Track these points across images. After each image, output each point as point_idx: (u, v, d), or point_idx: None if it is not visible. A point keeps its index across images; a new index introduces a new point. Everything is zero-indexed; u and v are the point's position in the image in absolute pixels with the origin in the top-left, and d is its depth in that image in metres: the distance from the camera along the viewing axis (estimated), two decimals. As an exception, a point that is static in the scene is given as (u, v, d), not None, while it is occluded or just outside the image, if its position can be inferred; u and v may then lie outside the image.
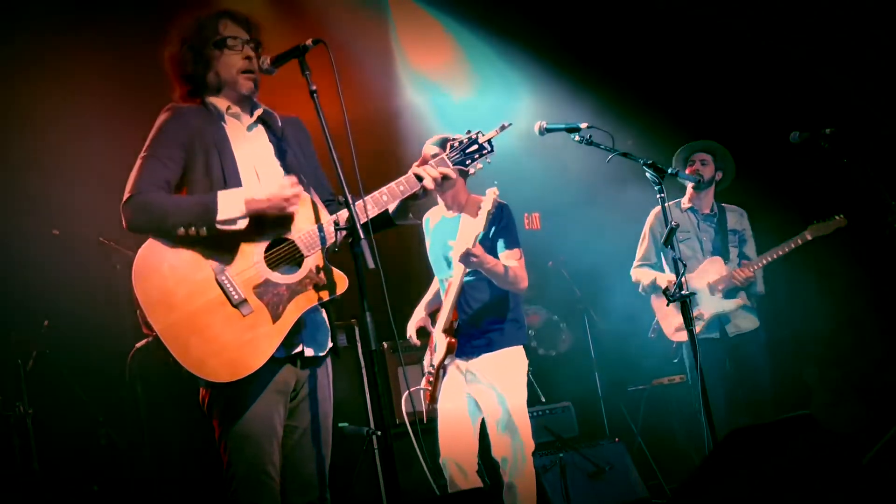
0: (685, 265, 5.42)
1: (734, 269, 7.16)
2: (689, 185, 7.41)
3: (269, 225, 4.09)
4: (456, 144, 4.42)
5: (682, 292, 5.35)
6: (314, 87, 4.00)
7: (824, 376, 8.86)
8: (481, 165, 4.45)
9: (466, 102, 9.72)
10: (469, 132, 4.45)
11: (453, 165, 4.38)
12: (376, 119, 8.86)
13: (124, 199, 4.02)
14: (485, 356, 5.98)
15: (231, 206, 3.97)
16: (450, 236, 6.07)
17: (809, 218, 7.25)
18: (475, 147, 4.43)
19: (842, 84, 8.54)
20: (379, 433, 7.08)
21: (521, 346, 6.12)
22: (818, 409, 8.59)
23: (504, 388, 5.93)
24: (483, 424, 6.04)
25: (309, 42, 4.04)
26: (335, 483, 4.37)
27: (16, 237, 7.52)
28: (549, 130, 5.41)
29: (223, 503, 4.07)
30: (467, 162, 4.42)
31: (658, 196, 5.56)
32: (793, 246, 7.20)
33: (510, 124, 4.64)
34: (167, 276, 3.95)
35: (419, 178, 4.27)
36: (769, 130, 8.85)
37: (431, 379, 5.98)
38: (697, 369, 5.20)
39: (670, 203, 7.61)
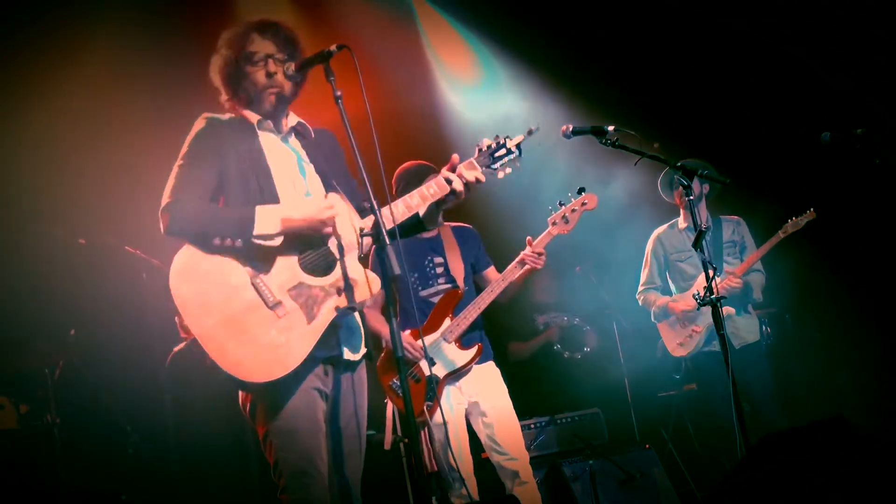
0: (715, 267, 5.39)
1: (721, 282, 7.13)
2: (684, 205, 7.36)
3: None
4: (484, 149, 4.48)
5: (712, 296, 5.31)
6: (339, 93, 3.99)
7: (856, 380, 8.79)
8: (510, 170, 4.51)
9: (494, 107, 9.70)
10: (497, 137, 4.51)
11: (482, 169, 4.43)
12: (403, 123, 8.83)
13: (163, 204, 4.03)
14: (476, 368, 6.18)
15: (267, 223, 4.00)
16: (434, 254, 6.28)
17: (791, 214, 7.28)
18: (503, 151, 4.50)
19: (842, 84, 8.49)
20: (407, 440, 7.06)
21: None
22: (851, 412, 8.50)
23: (498, 397, 6.17)
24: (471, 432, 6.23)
25: (333, 47, 4.03)
26: (364, 490, 4.35)
27: (42, 247, 7.54)
28: (575, 133, 5.37)
29: None
30: (495, 166, 4.49)
31: (686, 199, 5.55)
32: (769, 247, 7.24)
33: (538, 128, 4.69)
34: (203, 280, 3.98)
35: (448, 182, 4.31)
36: (768, 131, 8.86)
37: (431, 393, 6.07)
38: (729, 374, 5.15)
39: (665, 227, 7.65)
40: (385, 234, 3.87)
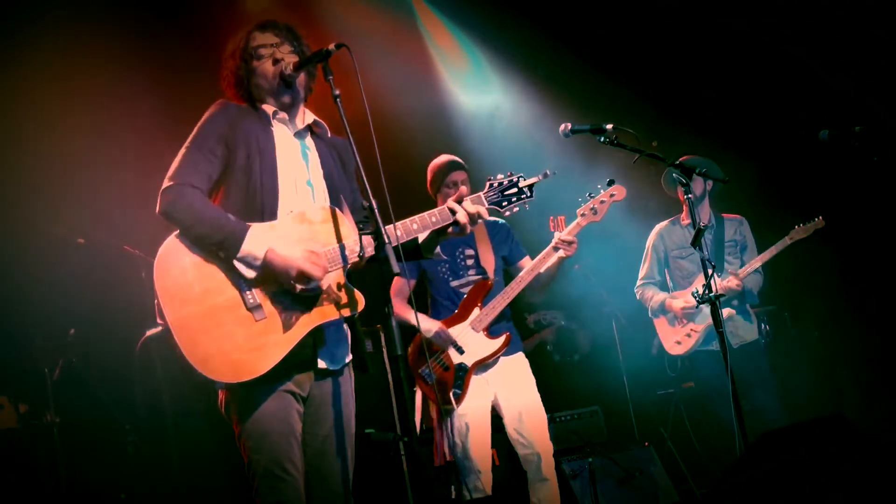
0: (714, 265, 5.40)
1: (721, 282, 7.13)
2: (685, 203, 7.36)
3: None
4: (495, 185, 4.44)
5: (711, 294, 5.32)
6: (337, 92, 3.98)
7: (855, 377, 8.79)
8: (517, 209, 4.45)
9: (492, 108, 9.73)
10: (510, 174, 4.47)
11: (489, 205, 4.41)
12: (403, 121, 8.82)
13: (165, 185, 4.02)
14: (504, 359, 6.27)
15: (255, 245, 3.96)
16: (465, 246, 6.36)
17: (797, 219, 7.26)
18: (514, 190, 4.45)
19: (842, 84, 8.50)
20: (406, 439, 7.07)
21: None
22: (850, 409, 8.52)
23: (526, 389, 6.26)
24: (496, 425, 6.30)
25: (332, 46, 4.03)
26: (363, 489, 4.35)
27: (42, 246, 7.53)
28: (574, 132, 5.39)
29: None
30: (504, 204, 4.44)
31: (686, 196, 5.57)
32: (774, 252, 7.23)
33: (554, 173, 4.67)
34: (188, 270, 3.97)
35: (453, 213, 4.27)
36: (768, 130, 8.86)
37: (459, 381, 6.14)
38: (728, 373, 5.15)
39: (667, 222, 7.65)
40: (384, 232, 3.86)
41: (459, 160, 6.47)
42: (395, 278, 6.34)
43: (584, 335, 9.63)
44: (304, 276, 3.98)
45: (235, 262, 3.96)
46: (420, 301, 6.54)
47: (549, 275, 6.20)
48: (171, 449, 7.50)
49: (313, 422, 4.22)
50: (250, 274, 3.98)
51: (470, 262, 6.34)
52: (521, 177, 4.46)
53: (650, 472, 7.57)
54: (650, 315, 7.74)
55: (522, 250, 6.52)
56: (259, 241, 3.98)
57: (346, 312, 4.12)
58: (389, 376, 7.68)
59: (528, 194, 4.46)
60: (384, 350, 7.82)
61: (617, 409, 8.87)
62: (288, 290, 4.02)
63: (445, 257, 6.35)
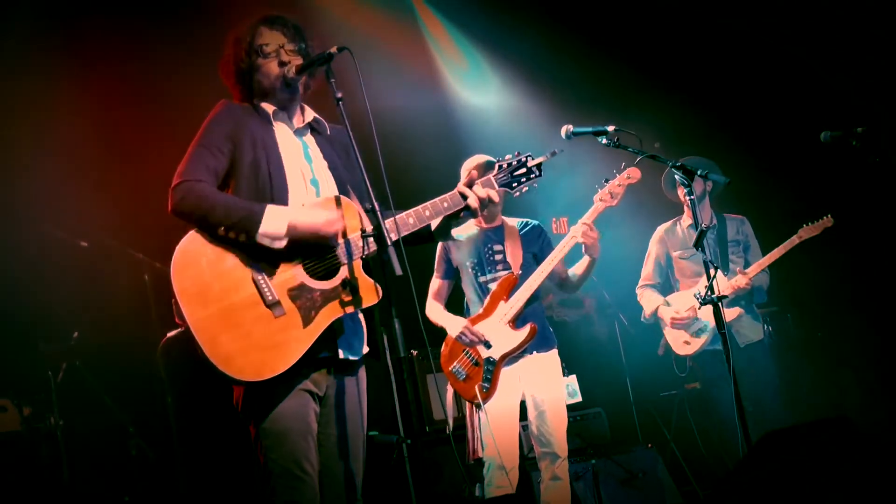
0: (717, 267, 5.40)
1: (729, 281, 7.11)
2: (687, 203, 7.34)
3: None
4: (504, 166, 4.45)
5: (713, 296, 5.32)
6: (339, 95, 3.98)
7: (859, 378, 8.79)
8: (527, 189, 4.47)
9: (495, 109, 9.73)
10: (518, 154, 4.48)
11: (499, 187, 4.42)
12: (404, 124, 8.83)
13: (174, 183, 4.01)
14: (537, 355, 6.30)
15: (274, 223, 3.96)
16: (494, 242, 6.41)
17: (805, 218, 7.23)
18: (523, 170, 4.46)
19: (842, 84, 8.51)
20: (409, 441, 7.06)
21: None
22: (853, 411, 8.51)
23: (553, 387, 6.30)
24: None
25: (334, 49, 4.02)
26: (365, 492, 4.35)
27: (45, 249, 7.54)
28: (575, 134, 5.39)
29: None
30: (514, 185, 4.46)
31: (688, 198, 5.57)
32: (783, 250, 7.16)
33: (561, 150, 4.72)
34: (205, 269, 3.94)
35: (464, 197, 4.27)
36: (770, 130, 8.87)
37: (488, 375, 6.18)
38: (731, 372, 5.16)
39: (669, 223, 7.64)
40: (387, 234, 3.86)
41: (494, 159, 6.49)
42: (435, 280, 6.51)
43: (588, 298, 9.64)
44: (330, 237, 4.04)
45: (259, 239, 3.96)
46: (458, 300, 6.58)
47: (584, 265, 6.34)
48: (174, 450, 7.50)
49: (327, 422, 4.22)
50: (277, 245, 3.98)
51: (498, 257, 6.38)
52: (529, 156, 4.47)
53: (653, 473, 7.56)
54: (642, 319, 7.73)
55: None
56: (280, 214, 3.98)
57: (365, 303, 4.10)
58: (392, 378, 7.67)
59: (537, 173, 4.48)
60: (387, 352, 7.81)
61: (620, 410, 8.86)
62: (306, 284, 4.02)
63: (499, 222, 6.42)
